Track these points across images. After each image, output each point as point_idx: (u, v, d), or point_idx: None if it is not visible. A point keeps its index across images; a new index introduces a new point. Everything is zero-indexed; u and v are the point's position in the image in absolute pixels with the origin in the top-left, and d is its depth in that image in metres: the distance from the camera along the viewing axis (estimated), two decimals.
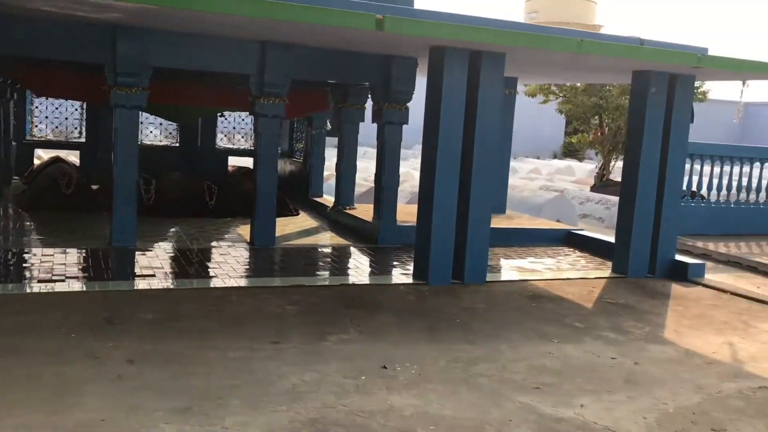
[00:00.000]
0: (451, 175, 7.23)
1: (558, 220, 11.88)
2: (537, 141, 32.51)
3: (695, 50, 7.26)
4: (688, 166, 11.09)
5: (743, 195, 11.75)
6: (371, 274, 7.82)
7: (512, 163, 25.36)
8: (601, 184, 14.97)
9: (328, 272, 7.77)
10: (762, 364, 5.47)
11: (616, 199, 12.59)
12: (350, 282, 7.21)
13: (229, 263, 7.61)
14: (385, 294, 6.85)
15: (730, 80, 8.86)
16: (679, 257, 8.59)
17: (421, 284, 7.25)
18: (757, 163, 11.66)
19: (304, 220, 10.84)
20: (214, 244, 8.64)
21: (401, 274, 7.71)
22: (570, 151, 25.69)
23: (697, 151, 11.00)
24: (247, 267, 7.60)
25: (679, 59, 7.08)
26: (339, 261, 8.42)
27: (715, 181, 11.58)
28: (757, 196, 11.64)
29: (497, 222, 10.46)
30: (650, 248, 8.37)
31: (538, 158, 29.74)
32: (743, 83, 8.50)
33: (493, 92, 7.29)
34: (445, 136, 7.16)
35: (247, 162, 13.27)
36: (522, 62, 8.11)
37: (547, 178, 19.49)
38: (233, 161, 14.43)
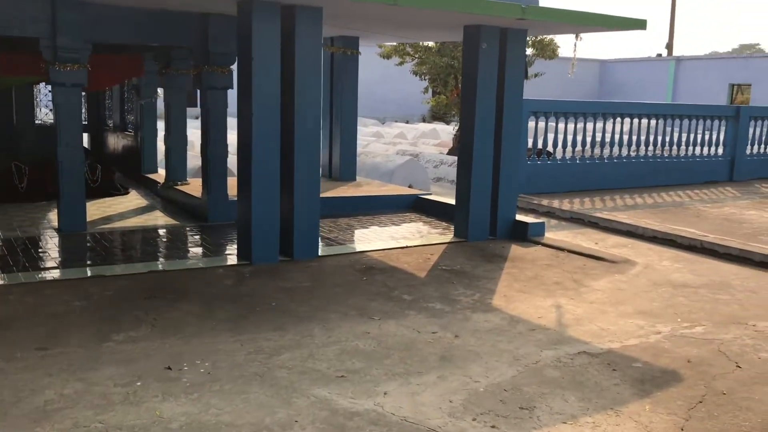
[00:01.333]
0: (270, 141, 6.59)
1: (410, 185, 11.54)
2: (406, 105, 32.32)
3: (520, 0, 6.94)
4: (532, 124, 11.02)
5: (588, 151, 11.86)
6: (190, 257, 7.09)
7: (379, 128, 25.13)
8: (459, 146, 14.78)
9: (138, 258, 6.96)
10: (585, 326, 5.26)
11: None
12: (160, 268, 6.45)
13: (21, 254, 6.65)
14: (198, 279, 6.16)
15: (563, 33, 8.69)
16: (520, 217, 8.41)
17: (244, 265, 6.63)
18: (601, 119, 11.76)
19: (132, 200, 9.88)
20: (14, 233, 7.60)
21: (226, 255, 7.04)
22: (438, 114, 25.56)
23: (541, 108, 10.91)
24: (41, 258, 6.67)
25: (502, 10, 6.74)
26: (156, 244, 7.63)
27: (560, 138, 11.61)
28: (602, 151, 11.77)
29: (343, 191, 9.99)
30: (490, 210, 8.14)
31: (407, 122, 29.53)
32: (576, 37, 8.34)
33: (311, 51, 6.68)
34: (260, 99, 6.49)
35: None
36: (344, 18, 7.53)
37: (412, 142, 19.23)
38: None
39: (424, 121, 31.53)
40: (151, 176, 10.89)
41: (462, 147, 8.08)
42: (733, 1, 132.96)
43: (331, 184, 10.49)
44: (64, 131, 7.52)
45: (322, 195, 9.43)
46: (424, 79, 16.39)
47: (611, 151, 11.79)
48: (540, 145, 11.27)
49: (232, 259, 6.82)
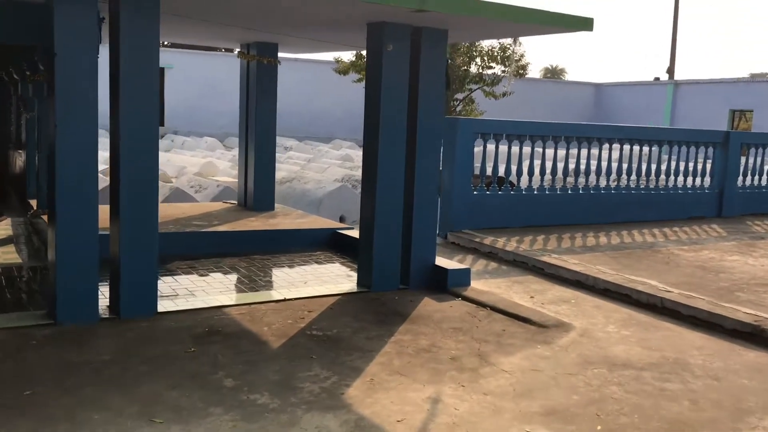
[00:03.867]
0: (82, 166, 5.02)
1: (341, 217, 9.95)
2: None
3: None
4: (492, 147, 9.43)
5: (550, 180, 10.23)
6: None
7: (326, 147, 23.48)
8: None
9: None
10: None
11: None
12: None
13: None
14: None
15: (497, 36, 7.14)
16: (441, 261, 6.78)
17: (44, 326, 5.01)
18: (565, 144, 10.14)
19: None
20: None
21: (32, 312, 5.44)
22: None
23: (490, 129, 9.32)
24: None
25: None
26: None
27: (526, 165, 10.00)
28: (564, 180, 10.14)
29: (247, 223, 8.40)
30: (401, 251, 6.52)
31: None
32: (514, 41, 6.78)
33: (142, 57, 5.13)
34: (69, 113, 4.94)
35: None
36: (206, 15, 5.99)
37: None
38: None
39: None
40: (32, 201, 9.34)
41: (364, 171, 6.49)
42: (743, 31, 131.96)
43: (239, 214, 8.91)
44: None
45: (219, 228, 7.89)
46: None
47: (576, 180, 10.15)
48: (501, 173, 9.65)
49: (36, 318, 5.20)
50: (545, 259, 7.54)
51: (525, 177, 9.87)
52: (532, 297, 6.49)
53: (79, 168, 5.01)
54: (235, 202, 9.83)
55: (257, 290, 6.22)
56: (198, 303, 5.73)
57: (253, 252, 7.58)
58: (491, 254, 8.18)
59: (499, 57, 13.59)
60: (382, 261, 6.40)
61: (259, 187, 9.31)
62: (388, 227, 6.41)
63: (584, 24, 6.23)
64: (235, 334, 5.08)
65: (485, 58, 13.24)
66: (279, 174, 12.18)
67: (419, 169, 6.48)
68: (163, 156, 18.49)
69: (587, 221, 10.02)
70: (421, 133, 6.45)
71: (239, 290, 6.24)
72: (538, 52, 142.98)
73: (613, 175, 10.59)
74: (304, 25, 6.95)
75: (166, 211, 8.82)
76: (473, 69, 12.96)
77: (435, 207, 6.69)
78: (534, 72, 56.90)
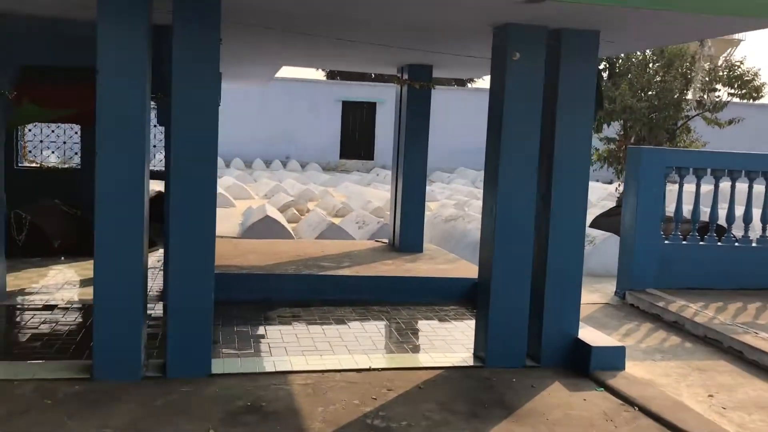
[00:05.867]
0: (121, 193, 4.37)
1: None
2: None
3: None
4: (692, 185, 7.49)
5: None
6: None
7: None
8: (606, 211, 11.21)
9: None
10: None
11: (598, 233, 9.13)
12: None
13: None
14: None
15: (681, 40, 5.41)
16: (588, 333, 5.17)
17: (78, 380, 4.41)
18: None
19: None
20: None
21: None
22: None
23: (690, 163, 7.35)
24: None
25: None
26: None
27: (740, 208, 7.81)
28: None
29: (380, 267, 7.40)
30: (531, 317, 5.06)
31: None
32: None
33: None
34: (108, 137, 4.33)
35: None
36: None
37: None
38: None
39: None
40: None
41: (483, 210, 5.15)
42: None
43: (379, 255, 7.96)
44: None
45: (342, 271, 7.04)
46: None
47: None
48: (691, 216, 7.64)
49: (75, 370, 4.60)
50: (747, 338, 5.52)
51: (739, 223, 7.69)
52: (711, 396, 4.64)
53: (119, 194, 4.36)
54: (386, 241, 8.90)
55: (350, 352, 5.15)
56: (264, 365, 4.80)
57: (375, 301, 6.55)
58: (676, 325, 6.28)
59: (724, 76, 11.22)
60: (500, 329, 4.99)
61: (406, 225, 8.30)
62: (511, 285, 4.99)
63: None
64: (276, 413, 4.04)
65: (707, 79, 11.01)
66: (447, 211, 11.07)
67: (555, 210, 4.99)
68: (363, 190, 18.33)
69: None
70: (558, 163, 4.97)
71: (326, 350, 5.20)
72: None
73: None
74: (429, 36, 5.84)
75: (304, 248, 8.17)
76: (690, 94, 10.82)
77: (579, 260, 5.12)
78: None
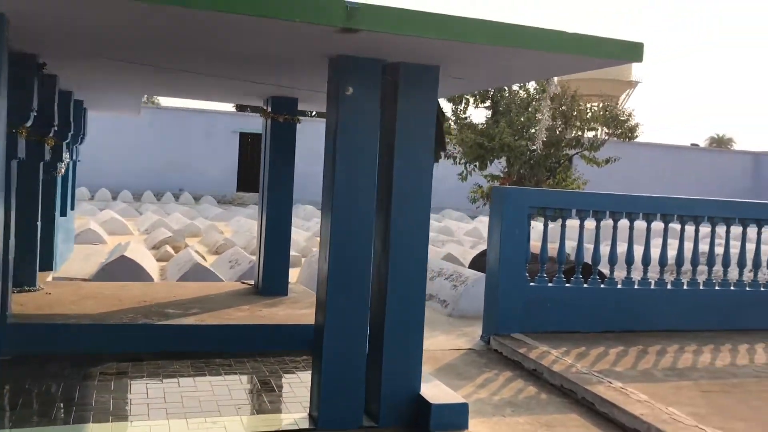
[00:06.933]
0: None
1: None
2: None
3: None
4: (556, 225, 7.33)
5: (641, 271, 7.83)
6: None
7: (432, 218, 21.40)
8: (484, 250, 11.05)
9: None
10: None
11: (471, 273, 8.90)
12: None
13: None
14: None
15: (518, 79, 5.21)
16: (431, 389, 4.80)
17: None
18: (662, 222, 7.75)
19: None
20: None
21: None
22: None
23: (552, 203, 7.23)
24: None
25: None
26: None
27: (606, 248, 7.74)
28: (661, 272, 7.73)
29: (230, 314, 6.84)
30: (368, 371, 4.64)
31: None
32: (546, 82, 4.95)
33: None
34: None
35: None
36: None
37: (457, 238, 15.77)
38: None
39: None
40: None
41: (320, 251, 4.73)
42: None
43: (237, 300, 7.39)
44: None
45: (186, 320, 6.46)
46: (458, 162, 13.01)
47: (679, 272, 7.73)
48: (559, 256, 7.50)
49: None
50: (599, 389, 5.29)
51: (609, 263, 7.60)
52: None
53: None
54: (252, 282, 8.36)
55: (168, 417, 4.56)
56: None
57: (219, 353, 5.98)
58: (535, 373, 6.02)
59: (600, 117, 11.41)
60: (334, 383, 4.54)
61: (270, 266, 7.79)
62: (346, 332, 4.57)
63: (632, 53, 4.19)
64: None
65: (585, 119, 11.16)
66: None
67: (394, 252, 4.62)
68: (254, 224, 17.65)
69: (693, 327, 7.53)
70: (397, 202, 4.62)
71: (140, 415, 4.60)
72: (701, 119, 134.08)
73: (732, 266, 8.01)
74: (271, 68, 5.44)
75: (154, 292, 7.51)
76: (537, 132, 10.90)
77: (419, 306, 4.74)
78: (699, 141, 52.41)
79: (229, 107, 31.36)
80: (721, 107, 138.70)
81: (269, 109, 7.74)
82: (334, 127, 4.53)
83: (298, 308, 7.24)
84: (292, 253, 9.97)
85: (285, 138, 7.82)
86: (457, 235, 17.02)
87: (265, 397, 5.07)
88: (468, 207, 19.53)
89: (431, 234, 16.86)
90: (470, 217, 21.13)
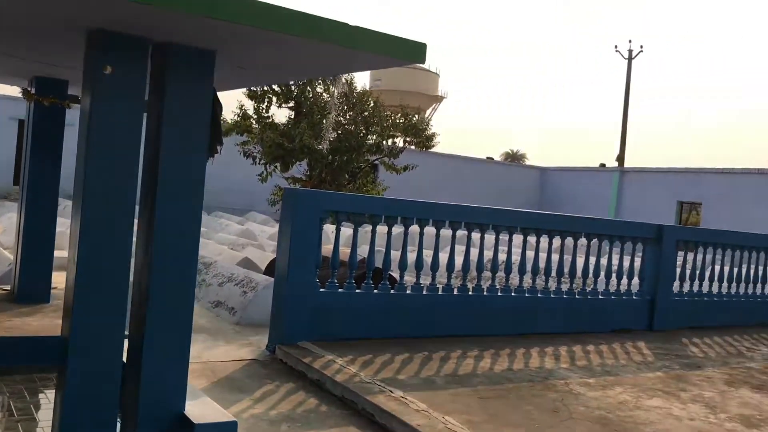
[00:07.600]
0: None
1: None
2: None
3: None
4: (349, 230, 7.13)
5: (428, 277, 7.93)
6: None
7: (234, 220, 20.66)
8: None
9: None
10: None
11: (262, 278, 8.50)
12: None
13: None
14: None
15: (300, 74, 4.96)
16: (199, 406, 4.34)
17: None
18: (463, 228, 7.91)
19: None
20: None
21: None
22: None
23: (345, 207, 7.06)
24: None
25: None
26: None
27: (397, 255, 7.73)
28: (449, 278, 7.89)
29: None
30: (126, 386, 4.08)
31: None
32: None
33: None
34: None
35: None
36: None
37: (259, 242, 15.36)
38: None
39: None
40: None
41: (69, 248, 4.11)
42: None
43: None
44: None
45: None
46: (258, 162, 12.62)
47: (464, 279, 7.91)
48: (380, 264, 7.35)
49: None
50: (379, 399, 5.14)
51: (411, 270, 7.58)
52: None
53: None
54: (8, 288, 7.31)
55: None
56: None
57: None
58: (318, 383, 5.76)
59: (400, 125, 11.59)
60: (79, 405, 3.93)
61: (27, 268, 6.83)
62: (95, 347, 3.97)
63: (415, 53, 4.06)
64: None
65: (385, 125, 11.27)
66: None
67: (158, 254, 4.11)
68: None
69: (478, 332, 7.74)
70: (161, 200, 4.12)
71: None
72: (495, 137, 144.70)
73: (514, 273, 8.38)
74: (20, 38, 4.68)
75: None
76: (371, 138, 10.96)
77: (187, 315, 4.27)
78: (495, 156, 55.91)
79: (6, 90, 28.19)
80: (516, 124, 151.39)
81: (33, 90, 6.81)
82: (88, 110, 3.94)
83: (58, 318, 6.39)
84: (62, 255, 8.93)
85: (51, 125, 6.91)
86: (259, 239, 16.53)
87: (0, 425, 4.32)
88: (276, 210, 19.29)
89: (230, 237, 16.23)
90: (275, 221, 20.71)
